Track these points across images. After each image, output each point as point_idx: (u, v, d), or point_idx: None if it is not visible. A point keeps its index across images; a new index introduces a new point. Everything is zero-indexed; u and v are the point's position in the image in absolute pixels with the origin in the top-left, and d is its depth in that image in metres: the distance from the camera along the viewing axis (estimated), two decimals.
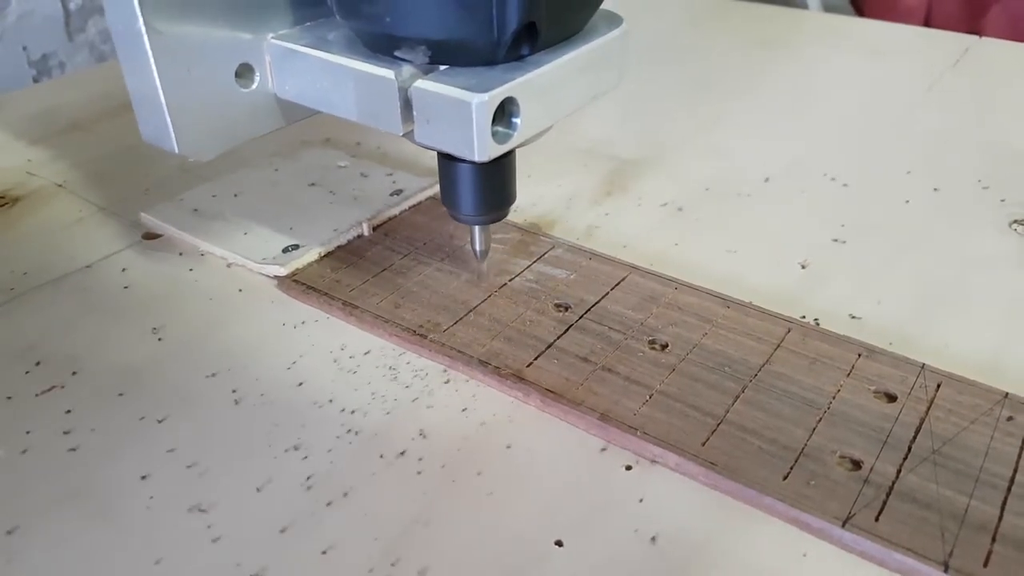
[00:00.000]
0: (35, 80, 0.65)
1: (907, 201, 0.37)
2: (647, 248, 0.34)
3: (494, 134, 0.24)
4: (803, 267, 0.33)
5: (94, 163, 0.41)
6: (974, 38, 0.54)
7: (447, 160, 0.28)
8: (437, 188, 0.37)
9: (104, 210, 0.37)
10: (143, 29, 0.25)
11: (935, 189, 0.38)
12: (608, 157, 0.41)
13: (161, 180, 0.39)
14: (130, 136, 0.44)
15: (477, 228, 0.30)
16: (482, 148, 0.24)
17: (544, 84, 0.25)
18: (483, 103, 0.24)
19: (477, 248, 0.31)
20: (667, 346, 0.28)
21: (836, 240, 0.34)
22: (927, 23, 0.99)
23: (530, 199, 0.37)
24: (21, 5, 0.61)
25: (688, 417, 0.25)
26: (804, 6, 1.03)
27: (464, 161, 0.28)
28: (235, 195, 0.37)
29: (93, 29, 0.67)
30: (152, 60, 0.25)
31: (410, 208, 0.36)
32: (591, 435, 0.25)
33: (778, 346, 0.27)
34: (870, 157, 0.41)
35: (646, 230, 0.35)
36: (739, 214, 0.37)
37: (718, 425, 0.25)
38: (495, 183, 0.29)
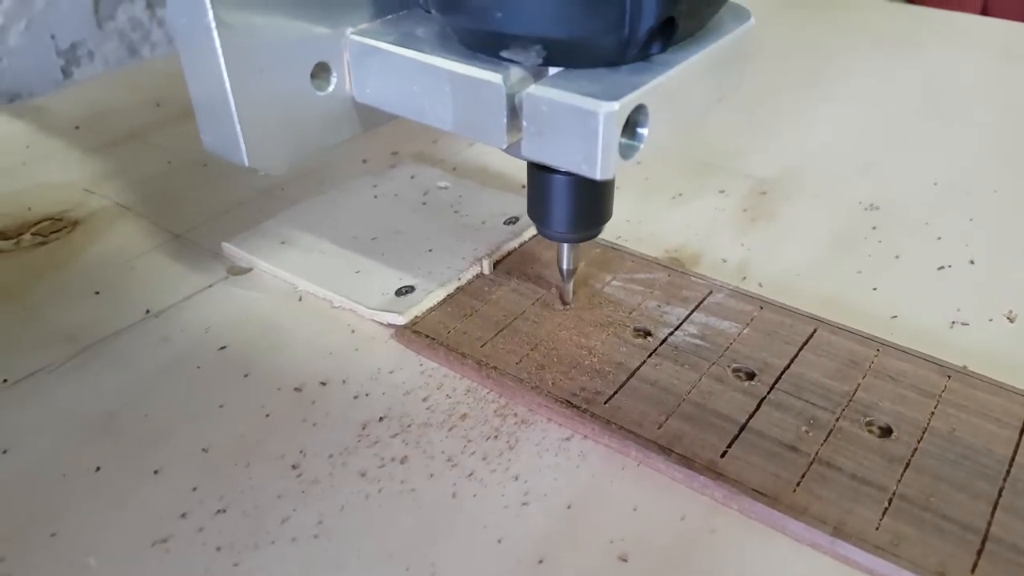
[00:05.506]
0: (63, 71, 0.60)
1: None
2: (817, 291, 0.29)
3: (619, 148, 0.20)
4: (1010, 320, 0.28)
5: (158, 180, 0.36)
6: None
7: (539, 170, 0.24)
8: None
9: (179, 237, 0.32)
10: (212, 23, 0.21)
11: None
12: (741, 174, 0.36)
13: (239, 201, 0.34)
14: (196, 149, 0.39)
15: (566, 246, 0.27)
16: (606, 164, 0.20)
17: (674, 89, 0.21)
18: (612, 113, 0.19)
19: (564, 267, 0.27)
20: (891, 431, 0.23)
21: None
22: (984, 12, 0.94)
23: (662, 225, 0.32)
24: None
25: (944, 533, 0.20)
26: None
27: (560, 173, 0.24)
28: (328, 223, 0.32)
29: (123, 16, 0.62)
30: (222, 59, 0.21)
31: (531, 239, 0.31)
32: (821, 554, 0.20)
33: (1023, 431, 0.23)
34: None
35: (811, 267, 0.30)
36: (914, 246, 0.31)
37: (983, 543, 0.20)
38: (593, 199, 0.25)
